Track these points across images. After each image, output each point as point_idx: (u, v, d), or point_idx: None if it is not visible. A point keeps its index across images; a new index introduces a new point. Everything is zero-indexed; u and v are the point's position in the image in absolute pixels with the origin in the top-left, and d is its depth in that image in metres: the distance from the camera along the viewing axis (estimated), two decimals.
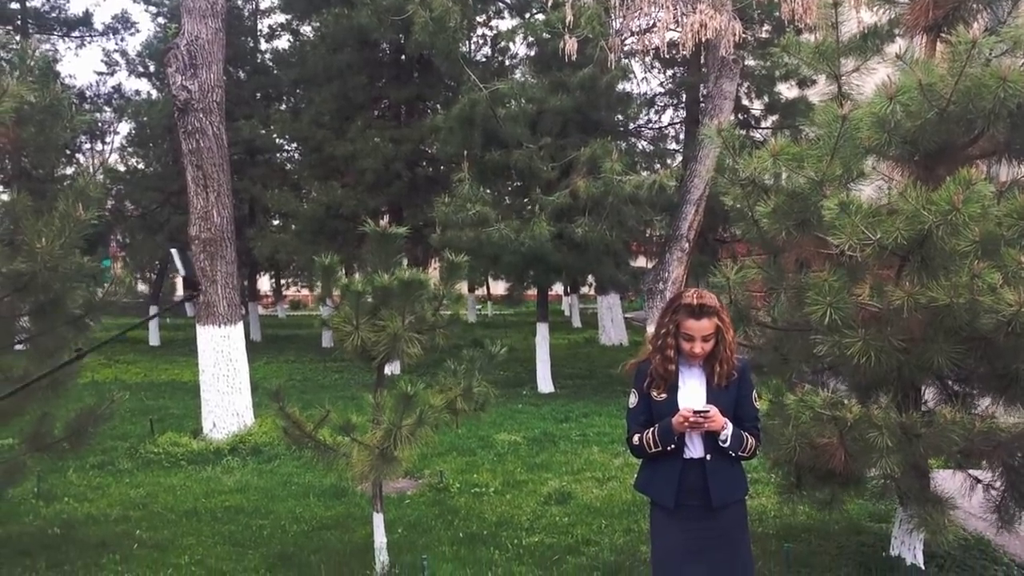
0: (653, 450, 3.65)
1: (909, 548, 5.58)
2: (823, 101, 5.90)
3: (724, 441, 3.58)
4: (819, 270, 4.85)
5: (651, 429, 3.64)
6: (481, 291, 38.28)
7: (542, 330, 14.50)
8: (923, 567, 5.53)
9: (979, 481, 5.50)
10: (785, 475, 5.67)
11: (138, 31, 39.25)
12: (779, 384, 5.35)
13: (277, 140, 21.66)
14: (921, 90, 4.82)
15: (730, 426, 3.58)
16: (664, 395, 3.66)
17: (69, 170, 29.43)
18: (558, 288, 28.16)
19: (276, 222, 22.88)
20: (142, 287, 30.25)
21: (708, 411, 3.49)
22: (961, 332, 4.57)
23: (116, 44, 31.61)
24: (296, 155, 23.18)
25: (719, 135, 5.36)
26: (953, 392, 5.33)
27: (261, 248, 17.39)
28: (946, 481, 5.69)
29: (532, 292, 15.55)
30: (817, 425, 4.69)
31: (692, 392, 3.65)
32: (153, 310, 23.73)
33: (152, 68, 24.54)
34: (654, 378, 3.69)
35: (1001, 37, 5.10)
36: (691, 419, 3.48)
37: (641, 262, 18.00)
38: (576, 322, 31.01)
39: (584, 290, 29.28)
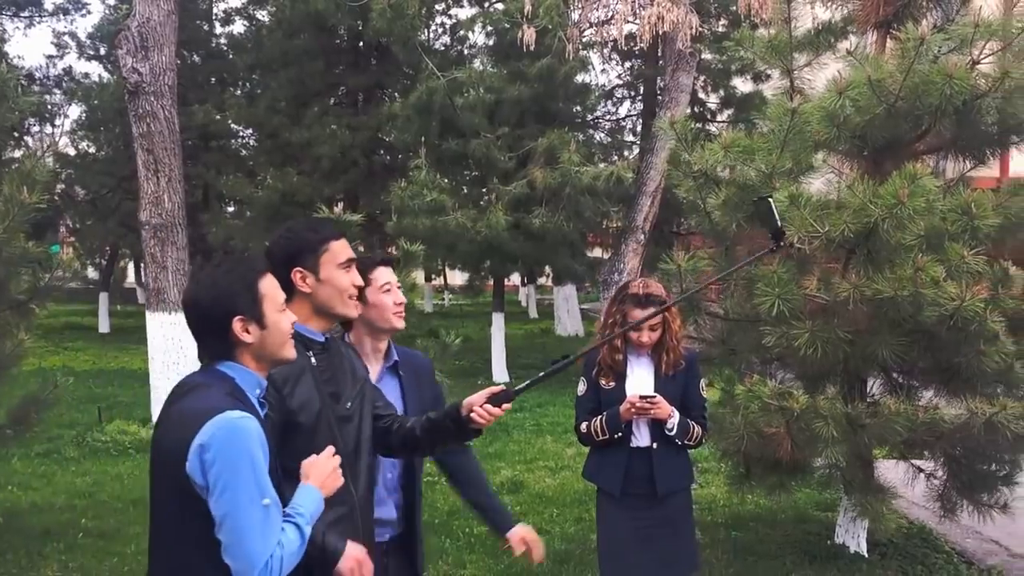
0: (601, 438, 3.67)
1: (853, 536, 5.68)
2: (775, 95, 5.97)
3: (671, 430, 3.60)
4: (768, 262, 4.90)
5: (599, 417, 3.66)
6: (439, 281, 38.16)
7: (497, 320, 14.50)
8: (866, 555, 5.63)
9: (922, 471, 5.61)
10: (734, 465, 5.74)
11: (89, 12, 38.42)
12: (731, 374, 5.43)
13: (233, 126, 21.38)
14: (870, 85, 4.89)
15: (677, 415, 3.61)
16: (612, 384, 3.68)
17: (18, 153, 28.83)
18: (515, 279, 28.18)
19: (231, 209, 22.61)
20: (92, 273, 29.76)
21: (654, 398, 3.52)
22: (905, 325, 4.65)
23: (66, 25, 30.96)
24: (252, 141, 22.92)
25: (672, 127, 5.39)
26: (898, 384, 5.43)
27: (215, 234, 17.17)
28: (890, 471, 5.79)
29: (490, 282, 15.54)
30: (765, 415, 4.74)
31: (640, 381, 3.67)
32: (104, 297, 23.32)
33: (103, 50, 24.04)
34: (603, 367, 3.71)
35: (949, 35, 5.20)
36: (637, 405, 3.50)
37: (598, 253, 18.05)
38: (533, 313, 31.04)
39: (541, 281, 29.35)
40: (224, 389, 2.11)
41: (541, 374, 2.59)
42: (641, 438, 3.66)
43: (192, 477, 2.00)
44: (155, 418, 9.10)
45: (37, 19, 25.61)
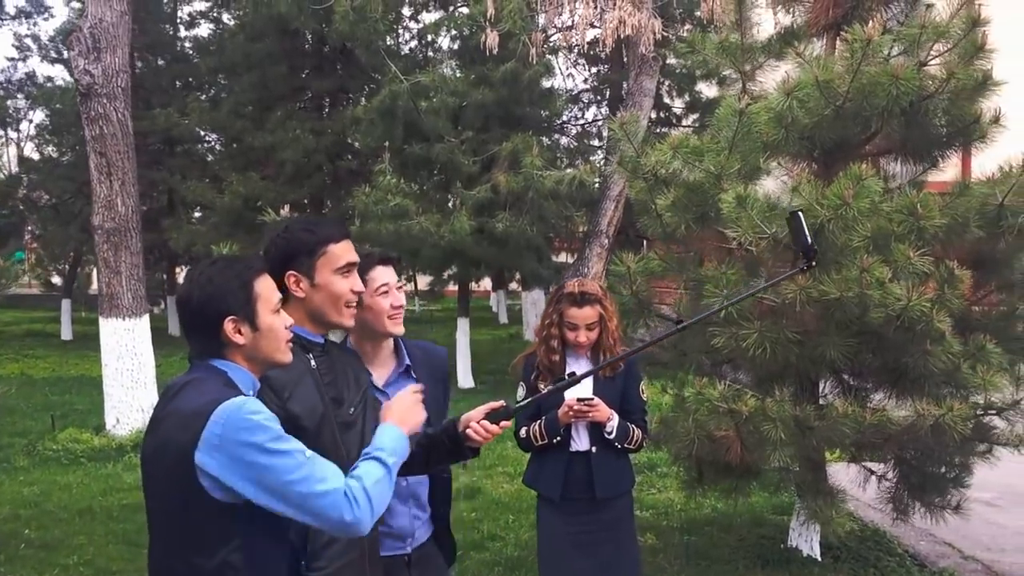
0: (540, 443, 3.61)
1: (806, 540, 5.65)
2: (728, 97, 5.95)
3: (610, 433, 3.55)
4: (717, 263, 4.86)
5: (538, 422, 3.60)
6: (409, 286, 37.97)
7: (462, 325, 14.42)
8: (819, 559, 5.61)
9: (873, 473, 5.60)
10: (687, 469, 5.69)
11: (52, 15, 37.89)
12: (681, 376, 5.39)
13: (199, 131, 21.15)
14: (818, 86, 4.87)
15: (616, 417, 3.56)
16: (551, 386, 3.61)
17: None
18: (486, 284, 28.09)
19: (198, 214, 22.36)
20: (56, 279, 29.31)
21: (592, 400, 3.46)
22: (852, 326, 4.63)
23: (29, 28, 30.43)
24: (218, 146, 22.69)
25: (621, 127, 5.35)
26: (848, 385, 5.42)
27: (177, 240, 16.96)
28: (842, 473, 5.78)
29: (452, 288, 15.45)
30: (714, 418, 4.71)
31: (579, 383, 3.60)
32: (66, 303, 22.97)
33: (66, 54, 23.71)
34: (540, 370, 3.65)
35: (897, 36, 5.20)
36: (575, 408, 3.44)
37: (565, 258, 18.01)
38: (503, 318, 30.94)
39: (512, 286, 29.26)
40: (220, 381, 2.06)
41: (544, 391, 2.54)
42: (580, 442, 3.61)
43: (204, 481, 1.94)
44: (108, 426, 8.94)
45: None
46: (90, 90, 8.86)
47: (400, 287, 2.95)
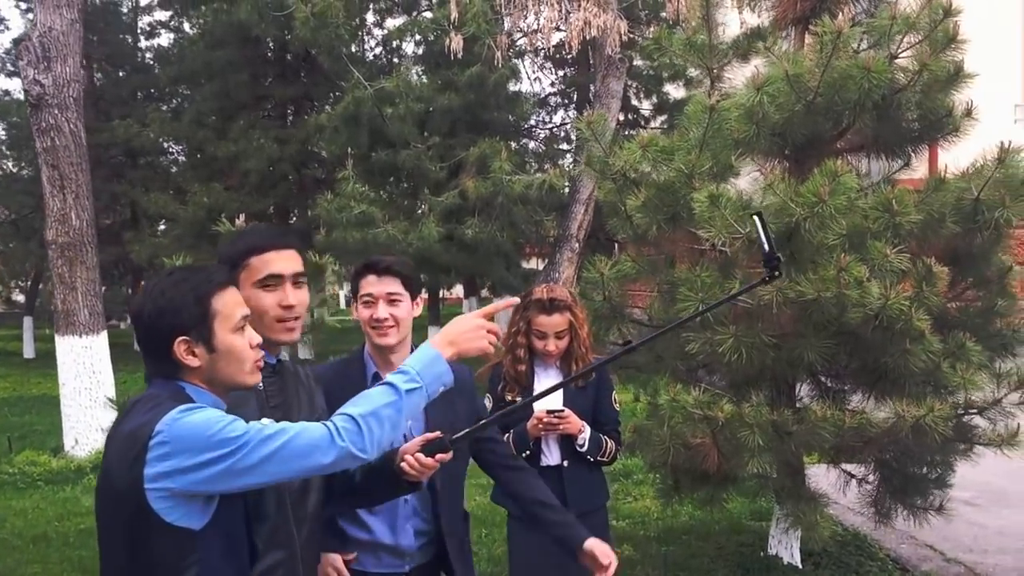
0: None
1: (786, 547, 5.51)
2: (696, 95, 5.82)
3: (582, 445, 3.38)
4: (691, 265, 4.71)
5: (507, 435, 3.41)
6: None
7: (432, 333, 14.21)
8: (800, 565, 5.46)
9: (853, 476, 5.47)
10: (663, 477, 5.53)
11: (8, 28, 37.39)
12: (656, 383, 5.23)
13: (163, 142, 20.80)
14: (788, 81, 4.74)
15: (588, 429, 3.39)
16: (519, 398, 3.44)
17: None
18: (459, 290, 27.88)
19: (163, 227, 21.98)
20: (19, 296, 28.73)
21: (563, 412, 3.28)
22: (830, 327, 4.49)
23: None
24: (181, 157, 22.34)
25: (588, 127, 5.19)
26: (827, 388, 5.29)
27: (140, 253, 16.62)
28: (822, 477, 5.65)
29: (424, 296, 15.23)
30: (690, 425, 4.55)
31: (549, 394, 3.43)
32: (28, 321, 22.47)
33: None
34: (507, 381, 3.47)
35: (867, 28, 5.08)
36: (545, 420, 3.26)
37: (537, 264, 17.86)
38: None
39: (485, 293, 29.10)
40: (175, 399, 1.86)
41: (482, 421, 2.36)
42: (551, 456, 3.43)
43: (157, 504, 1.77)
44: (67, 447, 8.62)
45: None
46: (40, 101, 8.58)
47: (392, 299, 2.72)
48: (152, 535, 1.79)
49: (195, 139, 16.92)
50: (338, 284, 39.27)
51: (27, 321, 22.54)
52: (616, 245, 17.30)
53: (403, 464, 2.26)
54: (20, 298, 28.39)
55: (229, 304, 1.94)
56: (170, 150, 22.33)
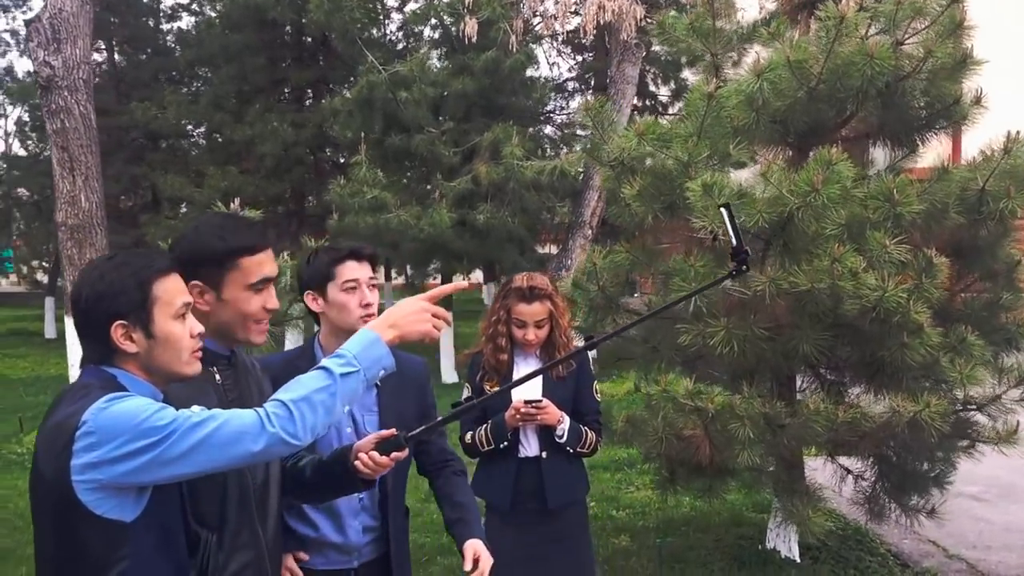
0: (486, 448, 3.38)
1: (784, 540, 5.45)
2: (698, 81, 5.72)
3: (561, 436, 3.33)
4: (685, 255, 4.63)
5: (484, 426, 3.38)
6: (399, 280, 37.71)
7: None
8: (798, 559, 5.40)
9: (849, 472, 5.38)
10: (657, 469, 5.48)
11: (30, 8, 37.59)
12: (654, 372, 5.16)
13: (184, 125, 20.85)
14: (789, 67, 4.64)
15: (567, 420, 3.33)
16: (498, 388, 3.39)
17: None
18: (478, 276, 27.86)
19: (183, 210, 22.06)
20: (41, 277, 29.00)
21: (541, 402, 3.23)
22: (826, 319, 4.41)
23: (7, 23, 30.00)
24: (202, 140, 22.39)
25: (587, 113, 5.12)
26: (826, 381, 5.20)
27: (154, 235, 16.67)
28: (822, 470, 5.57)
29: (432, 281, 15.23)
30: (682, 416, 4.49)
31: (527, 383, 3.37)
32: (49, 301, 22.69)
33: None
34: (487, 370, 3.42)
35: (872, 13, 4.96)
36: (522, 410, 3.21)
37: (549, 249, 17.77)
38: None
39: (504, 279, 29.01)
40: (107, 388, 1.80)
41: (440, 419, 2.28)
42: (529, 447, 3.38)
43: (85, 496, 1.72)
44: None
45: None
46: (50, 83, 8.57)
47: (373, 284, 2.71)
48: (80, 527, 1.75)
49: (213, 122, 16.93)
50: None
51: (48, 301, 22.74)
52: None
53: (357, 463, 2.23)
54: (43, 278, 28.69)
55: (170, 291, 1.90)
56: (191, 133, 22.39)
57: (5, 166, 24.43)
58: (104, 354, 1.87)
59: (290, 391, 1.84)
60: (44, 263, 27.83)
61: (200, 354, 1.96)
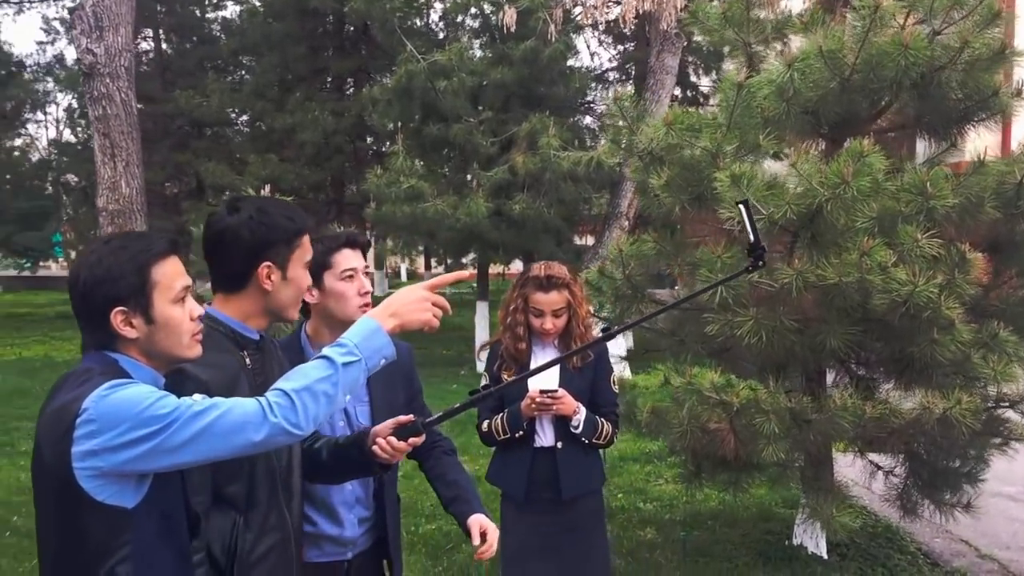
0: (502, 437, 3.38)
1: (811, 537, 5.39)
2: (731, 71, 5.66)
3: (576, 427, 3.31)
4: (713, 246, 4.58)
5: (500, 415, 3.38)
6: (439, 269, 37.88)
7: (481, 309, 14.21)
8: (825, 556, 5.34)
9: (879, 468, 5.30)
10: (683, 462, 5.44)
11: None
12: (675, 365, 5.12)
13: (229, 112, 21.11)
14: (822, 57, 4.57)
15: (583, 411, 3.32)
16: (515, 377, 3.38)
17: (17, 141, 28.69)
18: (518, 266, 27.86)
19: (225, 197, 22.31)
20: None
21: (556, 392, 3.22)
22: (855, 313, 4.34)
23: (57, 11, 30.51)
24: (246, 128, 22.65)
25: (615, 103, 5.08)
26: (857, 376, 5.12)
27: (195, 222, 16.92)
28: (853, 465, 5.50)
29: (471, 271, 15.24)
30: (707, 409, 4.46)
31: (545, 373, 3.37)
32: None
33: None
34: (505, 359, 3.42)
35: (909, 3, 4.86)
36: (538, 400, 3.21)
37: (589, 241, 17.70)
38: None
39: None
40: (104, 370, 1.81)
41: (456, 405, 2.27)
42: (545, 437, 3.37)
43: (86, 484, 1.71)
44: None
45: (27, 5, 25.39)
46: (93, 70, 8.73)
47: (367, 272, 2.73)
48: (82, 514, 1.75)
49: (255, 110, 17.13)
50: (401, 257, 39.52)
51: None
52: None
53: (374, 447, 2.24)
54: None
55: (169, 274, 1.89)
56: (234, 121, 22.66)
57: (56, 152, 24.93)
58: (104, 340, 1.86)
59: (292, 380, 1.84)
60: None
61: (200, 336, 1.96)
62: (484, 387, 3.10)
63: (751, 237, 2.29)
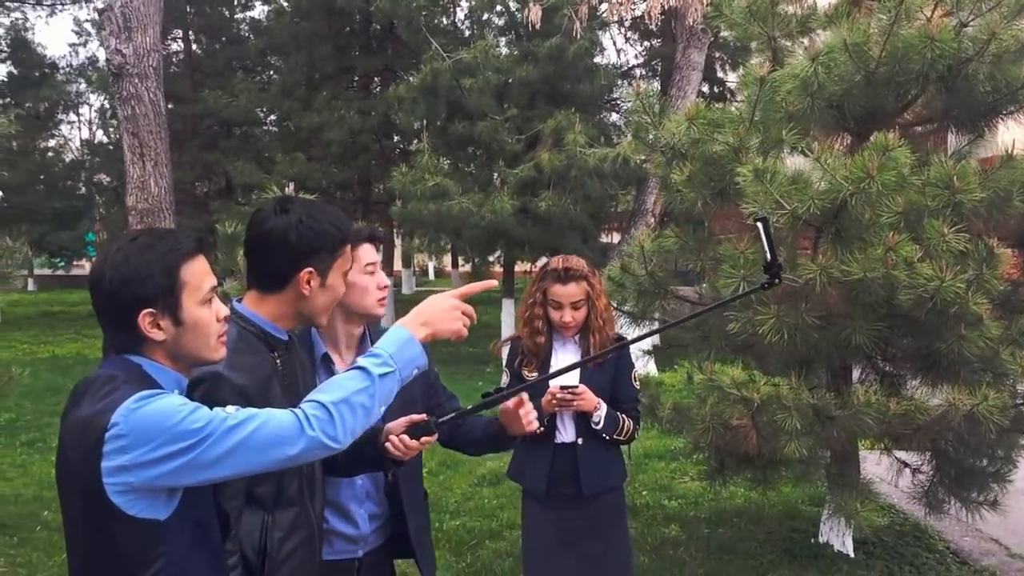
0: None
1: (837, 534, 5.34)
2: (753, 65, 5.61)
3: (597, 423, 3.30)
4: (736, 242, 4.55)
5: None
6: (467, 268, 37.88)
7: (507, 306, 14.21)
8: (851, 554, 5.29)
9: (906, 465, 5.25)
10: (706, 459, 5.42)
11: None
12: (699, 361, 5.10)
13: (258, 112, 21.25)
14: (847, 51, 4.52)
15: (604, 407, 3.31)
16: (535, 374, 3.39)
17: (51, 142, 29.10)
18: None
19: (255, 197, 22.49)
20: None
21: (577, 388, 3.21)
22: (880, 309, 4.30)
23: (88, 13, 30.83)
24: (274, 128, 22.80)
25: (637, 97, 5.07)
26: (883, 372, 5.08)
27: (224, 221, 17.10)
28: (879, 464, 5.44)
29: (497, 269, 15.25)
30: (728, 405, 4.43)
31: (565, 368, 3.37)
32: None
33: None
34: (525, 355, 3.42)
35: None
36: (558, 396, 3.20)
37: (613, 238, 17.65)
38: None
39: None
40: (130, 378, 1.75)
41: (469, 407, 2.29)
42: (566, 433, 3.37)
43: (117, 499, 1.66)
44: None
45: (59, 7, 25.70)
46: (121, 70, 8.81)
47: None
48: (114, 528, 1.70)
49: (282, 110, 17.24)
50: (428, 255, 39.58)
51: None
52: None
53: (388, 444, 2.24)
54: None
55: (198, 274, 1.83)
56: (263, 121, 22.81)
57: (88, 153, 25.25)
58: (128, 342, 1.80)
59: (328, 392, 1.79)
60: None
61: (225, 339, 1.92)
62: (497, 389, 3.10)
63: (768, 255, 2.32)
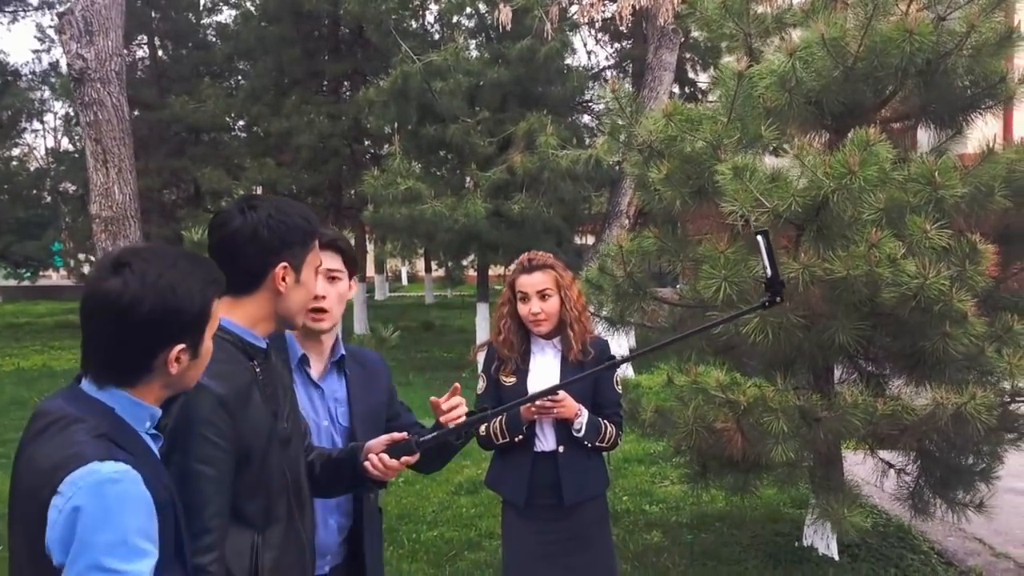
0: (501, 441, 3.26)
1: (821, 537, 5.26)
2: (730, 62, 5.53)
3: (579, 430, 3.18)
4: (715, 242, 4.45)
5: (499, 418, 3.25)
6: (440, 272, 37.70)
7: (482, 311, 14.07)
8: (836, 557, 5.21)
9: (891, 466, 5.17)
10: (688, 462, 5.32)
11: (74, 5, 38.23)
12: (678, 363, 5.00)
13: (227, 118, 20.96)
14: (824, 46, 4.45)
15: (585, 413, 3.19)
16: (513, 379, 3.27)
17: (15, 151, 28.59)
18: None
19: (224, 203, 22.18)
20: (87, 270, 29.46)
21: (557, 394, 3.09)
22: (863, 307, 4.22)
23: (52, 19, 30.30)
24: (243, 134, 22.52)
25: (612, 95, 4.97)
26: (867, 372, 5.00)
27: (192, 229, 16.83)
28: (862, 464, 5.37)
29: (472, 273, 15.13)
30: (713, 408, 4.34)
31: (544, 374, 3.25)
32: None
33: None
34: (503, 360, 3.30)
35: None
36: (538, 403, 3.08)
37: (589, 240, 17.55)
38: None
39: None
40: (95, 427, 1.60)
41: (450, 426, 2.21)
42: (546, 441, 3.25)
43: (51, 550, 1.54)
44: None
45: (21, 14, 25.26)
46: (83, 75, 8.60)
47: (335, 277, 2.60)
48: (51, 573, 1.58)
49: (251, 115, 17.00)
50: (402, 260, 39.36)
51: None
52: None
53: (366, 464, 2.16)
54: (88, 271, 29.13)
55: (217, 306, 1.78)
56: (230, 126, 22.52)
57: (53, 161, 24.83)
58: (130, 373, 1.67)
59: None
60: (90, 256, 28.31)
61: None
62: (481, 408, 2.98)
63: (768, 271, 2.24)
